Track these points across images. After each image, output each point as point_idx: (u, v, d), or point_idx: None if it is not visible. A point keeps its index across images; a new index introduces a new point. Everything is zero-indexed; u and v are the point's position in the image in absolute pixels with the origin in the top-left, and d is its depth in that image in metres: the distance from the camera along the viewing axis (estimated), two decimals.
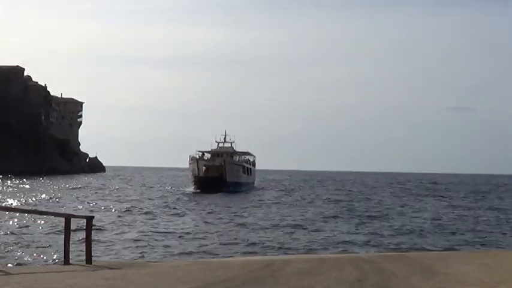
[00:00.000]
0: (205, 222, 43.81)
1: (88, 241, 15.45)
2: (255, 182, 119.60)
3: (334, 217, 50.23)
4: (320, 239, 35.14)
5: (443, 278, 12.41)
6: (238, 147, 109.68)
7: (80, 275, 12.19)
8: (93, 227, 16.15)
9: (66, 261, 14.81)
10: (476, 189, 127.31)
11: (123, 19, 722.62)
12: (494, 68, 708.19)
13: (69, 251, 15.08)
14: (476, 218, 52.68)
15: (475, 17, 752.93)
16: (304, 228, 40.84)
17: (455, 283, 11.76)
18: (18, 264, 22.73)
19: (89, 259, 15.20)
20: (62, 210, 42.77)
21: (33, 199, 63.77)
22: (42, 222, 37.59)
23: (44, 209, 43.20)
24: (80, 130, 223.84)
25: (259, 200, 73.61)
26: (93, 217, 16.20)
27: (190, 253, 28.65)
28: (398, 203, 73.53)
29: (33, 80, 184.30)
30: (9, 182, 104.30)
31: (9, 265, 22.11)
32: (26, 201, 60.53)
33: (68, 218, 15.53)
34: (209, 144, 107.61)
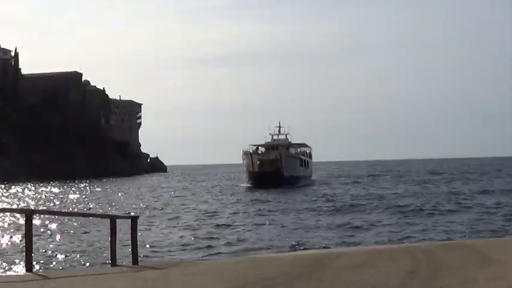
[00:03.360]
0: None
1: (134, 242, 15.23)
2: (312, 175, 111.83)
3: None
4: None
5: (499, 266, 11.71)
6: (294, 139, 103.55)
7: (121, 276, 11.91)
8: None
9: (113, 262, 14.63)
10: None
11: (176, 20, 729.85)
12: None
13: (115, 251, 14.88)
14: None
15: None
16: None
17: (511, 271, 11.07)
18: (68, 267, 22.66)
19: (135, 260, 14.98)
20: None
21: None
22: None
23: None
24: (139, 131, 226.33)
25: None
26: (138, 217, 16.00)
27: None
28: None
29: (92, 84, 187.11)
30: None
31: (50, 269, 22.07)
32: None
33: (113, 219, 15.35)
34: (264, 138, 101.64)
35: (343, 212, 46.81)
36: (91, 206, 58.97)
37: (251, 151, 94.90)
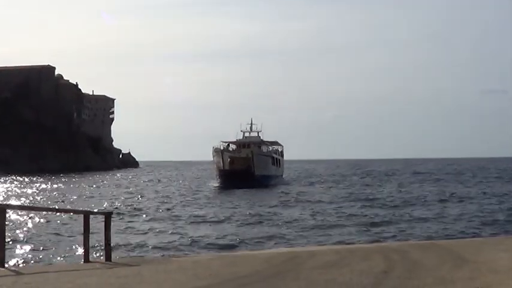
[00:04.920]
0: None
1: (107, 238, 15.12)
2: (284, 174, 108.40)
3: None
4: None
5: (474, 266, 11.75)
6: (266, 137, 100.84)
7: (94, 273, 11.80)
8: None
9: (86, 259, 14.53)
10: None
11: (149, 16, 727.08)
12: None
13: (89, 248, 14.80)
14: None
15: None
16: None
17: (486, 272, 11.11)
18: (41, 263, 22.43)
19: (108, 256, 14.87)
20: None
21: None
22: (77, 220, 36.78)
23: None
24: (112, 126, 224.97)
25: None
26: (111, 213, 15.88)
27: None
28: None
29: (65, 78, 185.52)
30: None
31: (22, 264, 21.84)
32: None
33: (86, 214, 15.23)
34: (235, 135, 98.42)
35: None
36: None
37: (222, 148, 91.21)
